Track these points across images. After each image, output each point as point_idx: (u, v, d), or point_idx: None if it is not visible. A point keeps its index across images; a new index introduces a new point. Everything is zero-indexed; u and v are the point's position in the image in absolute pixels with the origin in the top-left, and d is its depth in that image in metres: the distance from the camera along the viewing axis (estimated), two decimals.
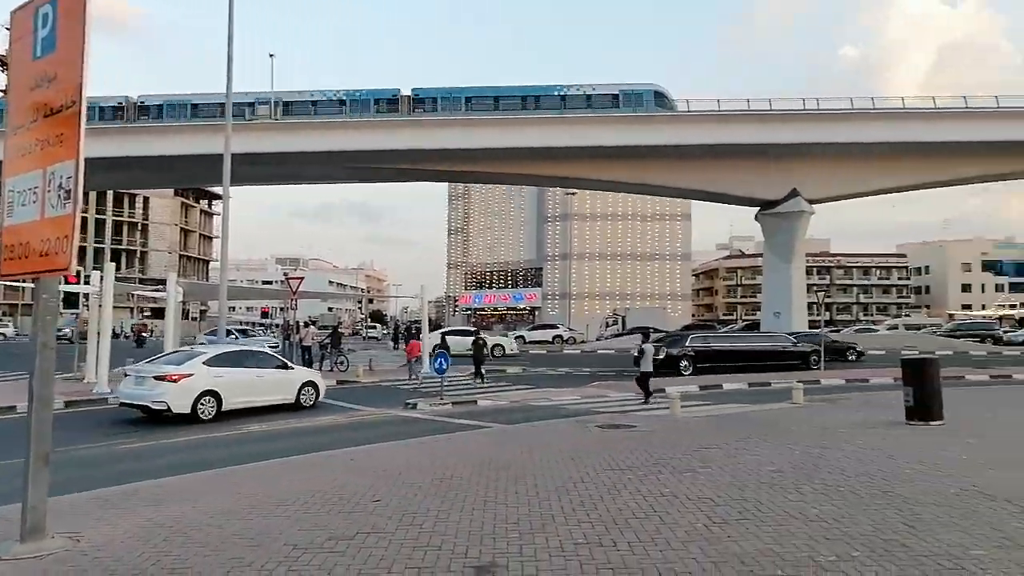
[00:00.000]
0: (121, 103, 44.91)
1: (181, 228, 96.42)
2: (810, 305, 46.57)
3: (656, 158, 44.86)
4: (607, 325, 57.61)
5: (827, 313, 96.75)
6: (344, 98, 44.97)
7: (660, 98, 45.06)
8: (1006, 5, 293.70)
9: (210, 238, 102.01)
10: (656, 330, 34.85)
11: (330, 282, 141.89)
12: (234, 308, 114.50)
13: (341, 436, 13.16)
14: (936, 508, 6.54)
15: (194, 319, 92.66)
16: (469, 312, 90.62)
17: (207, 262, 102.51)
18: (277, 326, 57.34)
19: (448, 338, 33.86)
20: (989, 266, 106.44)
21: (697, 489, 7.46)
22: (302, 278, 28.80)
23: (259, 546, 5.80)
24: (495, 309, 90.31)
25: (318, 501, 7.28)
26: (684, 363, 25.37)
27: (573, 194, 74.48)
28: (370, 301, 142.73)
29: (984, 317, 78.00)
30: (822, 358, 26.78)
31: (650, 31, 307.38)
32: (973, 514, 6.34)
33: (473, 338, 27.26)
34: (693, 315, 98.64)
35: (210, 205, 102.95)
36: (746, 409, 15.38)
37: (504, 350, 37.23)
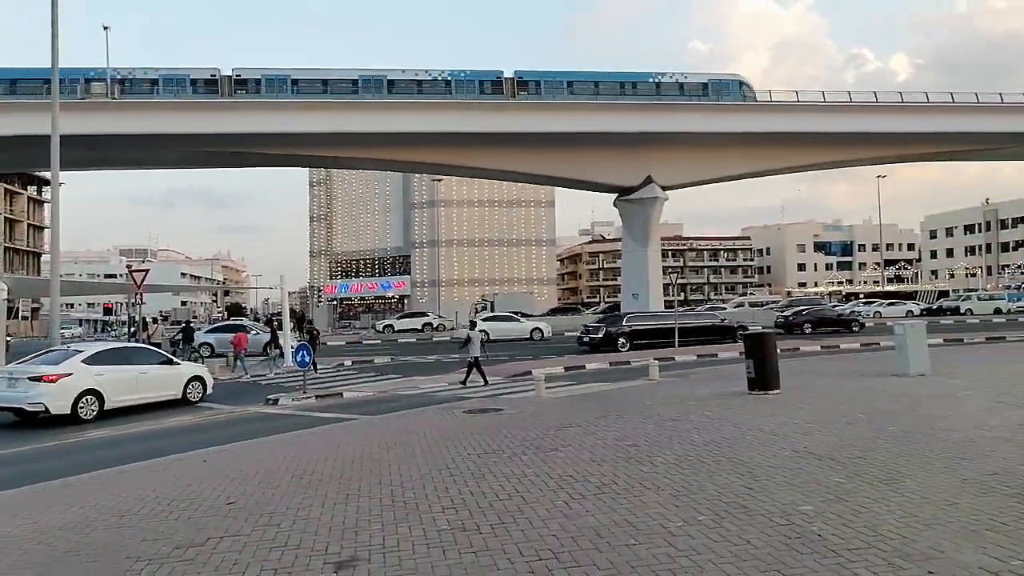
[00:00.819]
0: None
1: (6, 217, 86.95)
2: (666, 287, 49.15)
3: (520, 145, 45.52)
4: (476, 311, 58.01)
5: (682, 293, 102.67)
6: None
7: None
8: (829, 9, 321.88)
9: (41, 228, 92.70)
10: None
11: (182, 274, 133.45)
12: (71, 305, 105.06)
13: (197, 437, 12.43)
14: (772, 470, 7.10)
15: (24, 318, 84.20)
16: (335, 302, 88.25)
17: (38, 255, 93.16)
18: (124, 323, 53.22)
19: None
20: (820, 247, 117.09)
21: (559, 467, 7.68)
22: (147, 270, 26.92)
23: (96, 561, 5.36)
24: (363, 298, 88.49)
25: (165, 508, 6.83)
26: (621, 340, 27.42)
27: (439, 180, 74.16)
28: (226, 293, 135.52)
29: (816, 294, 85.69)
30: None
31: (495, 15, 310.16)
32: (803, 473, 6.94)
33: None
34: (559, 299, 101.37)
35: (40, 192, 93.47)
36: (607, 387, 16.03)
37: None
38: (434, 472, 7.76)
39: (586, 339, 28.82)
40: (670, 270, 62.33)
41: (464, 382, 18.10)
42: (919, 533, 5.03)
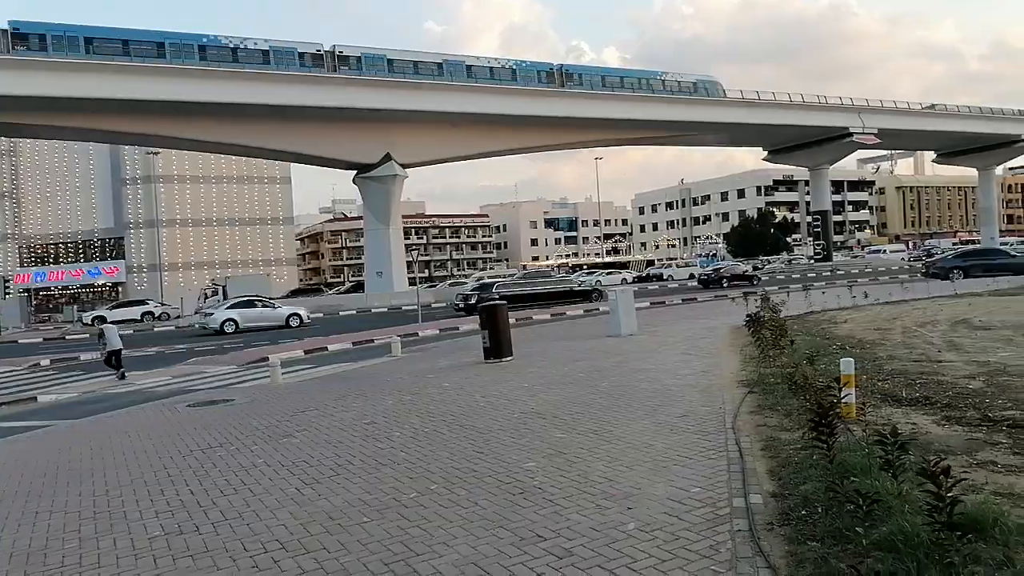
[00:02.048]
0: None
1: None
2: (409, 264, 49.67)
3: (252, 119, 42.65)
4: (206, 297, 53.56)
5: (426, 270, 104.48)
6: None
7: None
8: (551, 2, 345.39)
9: None
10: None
11: None
12: None
13: None
14: (501, 433, 7.49)
15: None
16: (27, 292, 75.77)
17: None
18: None
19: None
20: (549, 223, 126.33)
21: (292, 453, 7.36)
22: None
23: None
24: (65, 287, 77.16)
25: None
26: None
27: (156, 154, 66.92)
28: None
29: (548, 266, 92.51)
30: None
31: None
32: (529, 432, 7.41)
33: None
34: (301, 280, 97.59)
35: None
36: (348, 367, 15.74)
37: None
38: (148, 474, 7.00)
39: (462, 305, 32.49)
40: (413, 248, 62.98)
41: (121, 378, 16.69)
42: (622, 475, 5.62)
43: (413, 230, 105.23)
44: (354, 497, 5.65)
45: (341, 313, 41.51)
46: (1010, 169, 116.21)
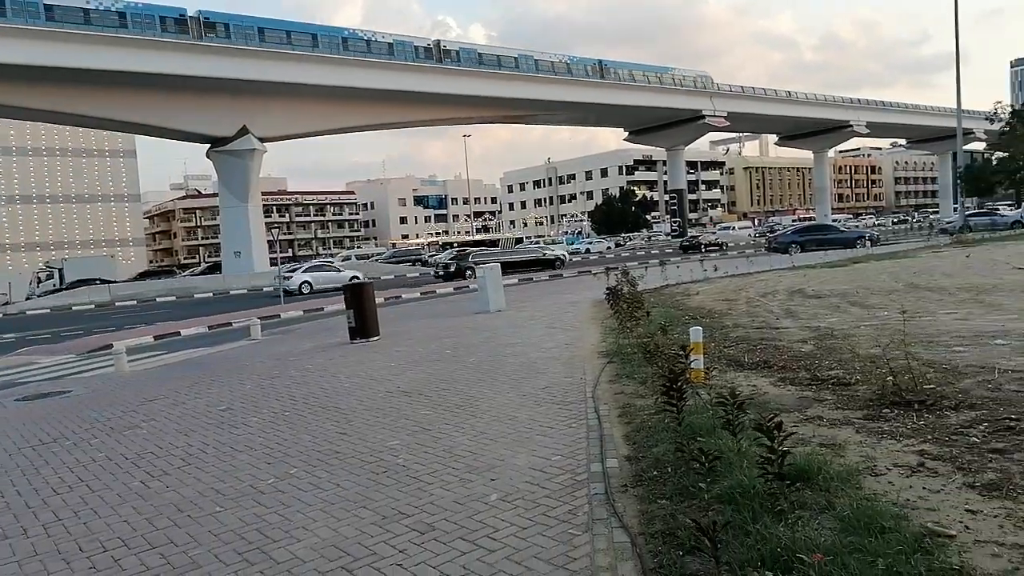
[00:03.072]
0: None
1: None
2: (271, 243, 47.56)
3: (96, 85, 38.98)
4: (39, 281, 48.86)
5: (289, 249, 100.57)
6: None
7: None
8: None
9: None
10: (100, 280, 30.99)
11: None
12: None
13: None
14: (366, 413, 7.36)
15: None
16: None
17: None
18: None
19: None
20: (419, 200, 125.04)
21: (138, 445, 6.88)
22: None
23: None
24: None
25: None
26: (469, 272, 32.58)
27: None
28: None
29: (417, 245, 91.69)
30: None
31: None
32: (394, 411, 7.33)
33: None
34: (151, 261, 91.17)
35: None
36: (203, 353, 14.90)
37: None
38: None
39: (441, 272, 35.80)
40: (274, 226, 60.31)
41: None
42: (486, 448, 5.69)
43: (274, 207, 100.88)
44: (206, 487, 5.37)
45: (196, 296, 39.15)
46: (840, 152, 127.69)
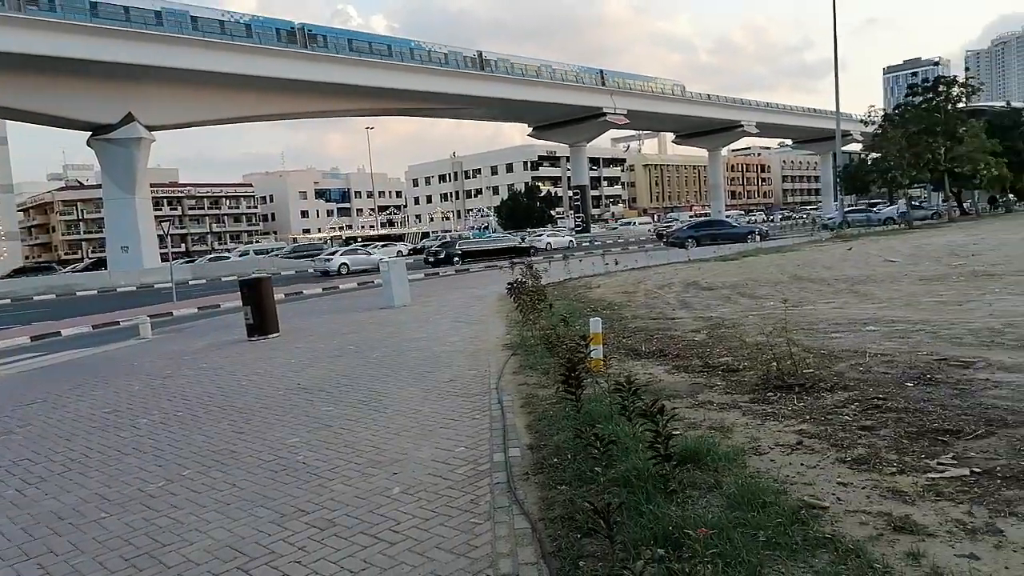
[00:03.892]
0: None
1: None
2: (161, 238, 45.17)
3: None
4: None
5: (183, 244, 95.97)
6: None
7: None
8: None
9: None
10: None
11: None
12: None
13: None
14: (265, 411, 7.15)
15: None
16: None
17: None
18: None
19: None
20: (320, 194, 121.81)
21: (13, 452, 6.43)
22: None
23: None
24: None
25: None
26: (456, 259, 37.17)
27: None
28: None
29: (320, 239, 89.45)
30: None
31: None
32: (294, 408, 7.16)
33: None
34: (27, 257, 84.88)
35: None
36: (87, 353, 14.01)
37: None
38: None
39: (431, 259, 38.49)
40: (165, 219, 57.37)
41: None
42: (389, 442, 5.65)
43: (165, 200, 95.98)
44: (90, 493, 5.08)
45: (79, 293, 36.70)
46: (733, 151, 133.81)
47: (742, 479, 3.99)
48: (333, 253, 39.72)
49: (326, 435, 6.02)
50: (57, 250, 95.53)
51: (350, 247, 43.28)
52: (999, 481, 3.78)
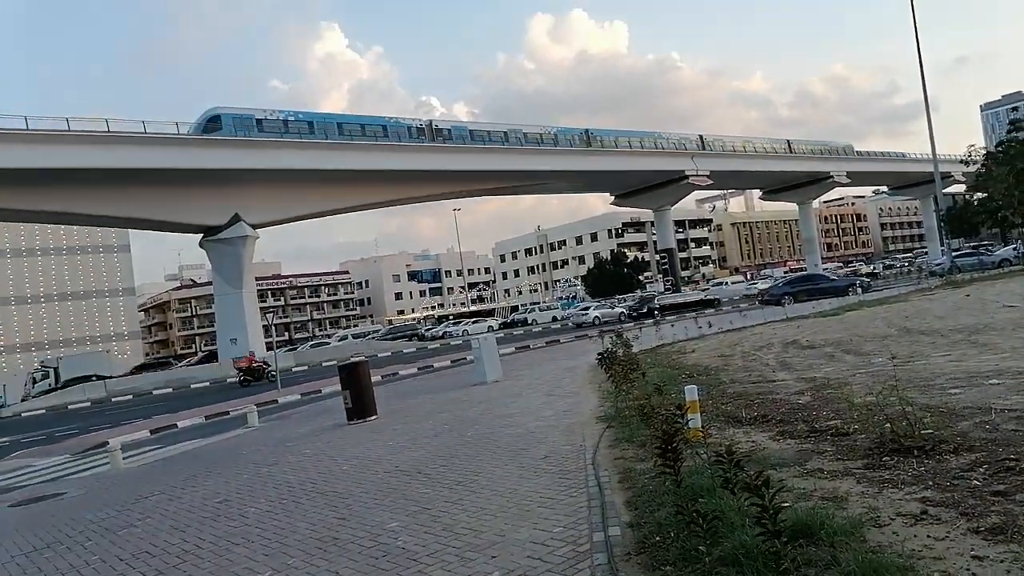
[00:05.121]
0: None
1: None
2: (266, 328, 47.54)
3: (81, 183, 39.65)
4: (34, 381, 48.51)
5: (286, 332, 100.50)
6: None
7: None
8: (398, 59, 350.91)
9: None
10: (96, 376, 30.77)
11: None
12: None
13: None
14: (365, 495, 7.25)
15: None
16: None
17: None
18: None
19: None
20: (413, 275, 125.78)
21: (133, 545, 6.73)
22: None
23: None
24: None
25: None
26: (657, 312, 43.05)
27: None
28: None
29: (414, 319, 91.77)
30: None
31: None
32: (393, 491, 7.22)
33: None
34: (147, 354, 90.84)
35: None
36: (200, 444, 14.71)
37: None
38: None
39: (634, 313, 44.93)
40: (269, 310, 60.51)
41: None
42: (486, 523, 5.59)
43: (269, 292, 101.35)
44: None
45: (193, 386, 38.87)
46: (825, 202, 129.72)
47: (862, 555, 3.70)
48: (587, 308, 50.28)
49: (424, 519, 6.02)
50: (174, 345, 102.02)
51: (600, 303, 54.97)
52: None
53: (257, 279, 55.98)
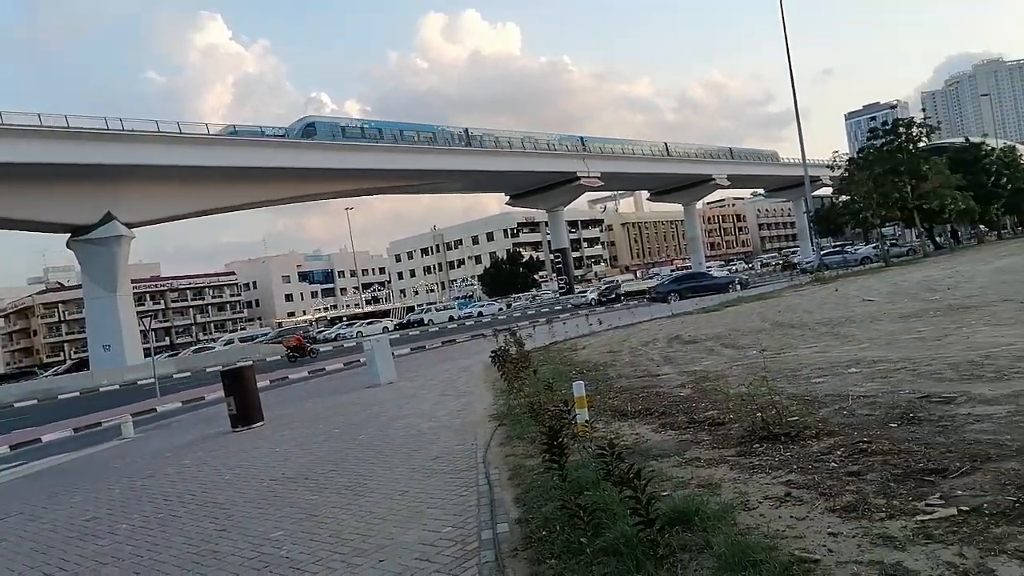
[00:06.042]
0: None
1: None
2: (144, 333, 44.83)
3: None
4: None
5: (167, 337, 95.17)
6: None
7: None
8: (286, 54, 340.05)
9: None
10: None
11: None
12: None
13: None
14: (248, 505, 6.97)
15: None
16: None
17: None
18: None
19: None
20: (304, 276, 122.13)
21: None
22: None
23: None
24: None
25: None
26: (623, 297, 48.29)
27: None
28: None
29: (305, 321, 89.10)
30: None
31: None
32: (278, 499, 6.98)
33: None
34: (8, 364, 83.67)
35: None
36: (67, 458, 13.67)
37: None
38: None
39: (603, 299, 49.32)
40: (147, 314, 57.10)
41: None
42: (375, 527, 5.51)
43: (147, 295, 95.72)
44: None
45: (61, 397, 36.03)
46: (708, 204, 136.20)
47: (732, 537, 3.91)
48: (584, 291, 57.04)
49: (310, 525, 5.86)
50: (39, 354, 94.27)
51: (607, 282, 59.61)
52: (987, 519, 3.73)
53: (133, 281, 52.81)
